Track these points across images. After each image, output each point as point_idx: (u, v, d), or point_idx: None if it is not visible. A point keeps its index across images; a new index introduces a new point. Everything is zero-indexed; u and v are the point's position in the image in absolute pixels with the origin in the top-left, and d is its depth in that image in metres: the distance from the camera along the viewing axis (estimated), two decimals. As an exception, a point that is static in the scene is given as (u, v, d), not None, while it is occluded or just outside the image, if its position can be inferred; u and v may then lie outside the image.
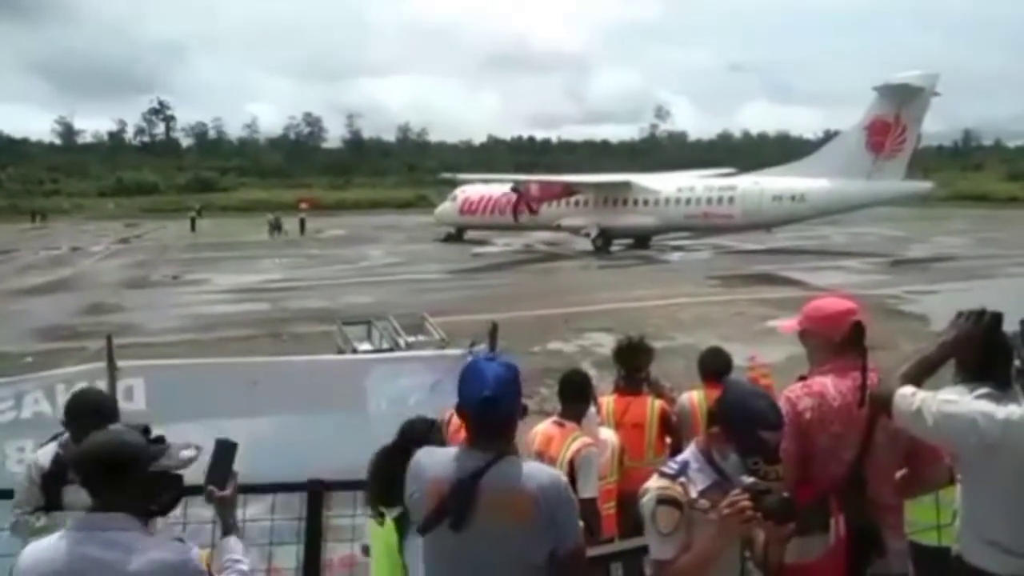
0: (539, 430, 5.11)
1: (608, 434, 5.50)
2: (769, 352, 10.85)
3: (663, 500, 3.04)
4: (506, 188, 40.71)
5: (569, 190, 39.15)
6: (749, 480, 2.92)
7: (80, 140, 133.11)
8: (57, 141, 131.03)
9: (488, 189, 42.55)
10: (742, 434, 3.02)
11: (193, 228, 56.13)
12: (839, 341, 3.69)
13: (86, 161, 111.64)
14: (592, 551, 3.91)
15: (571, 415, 5.13)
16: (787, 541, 3.05)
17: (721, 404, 3.18)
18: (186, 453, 2.87)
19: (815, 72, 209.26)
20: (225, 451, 3.13)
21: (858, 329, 3.67)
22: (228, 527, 3.11)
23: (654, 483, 3.12)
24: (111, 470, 2.72)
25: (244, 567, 3.03)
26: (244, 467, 4.62)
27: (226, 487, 3.12)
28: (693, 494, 3.05)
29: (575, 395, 5.21)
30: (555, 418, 5.14)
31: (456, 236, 44.24)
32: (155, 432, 2.90)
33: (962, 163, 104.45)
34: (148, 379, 4.87)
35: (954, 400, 3.15)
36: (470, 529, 2.92)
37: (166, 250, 42.67)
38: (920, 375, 3.30)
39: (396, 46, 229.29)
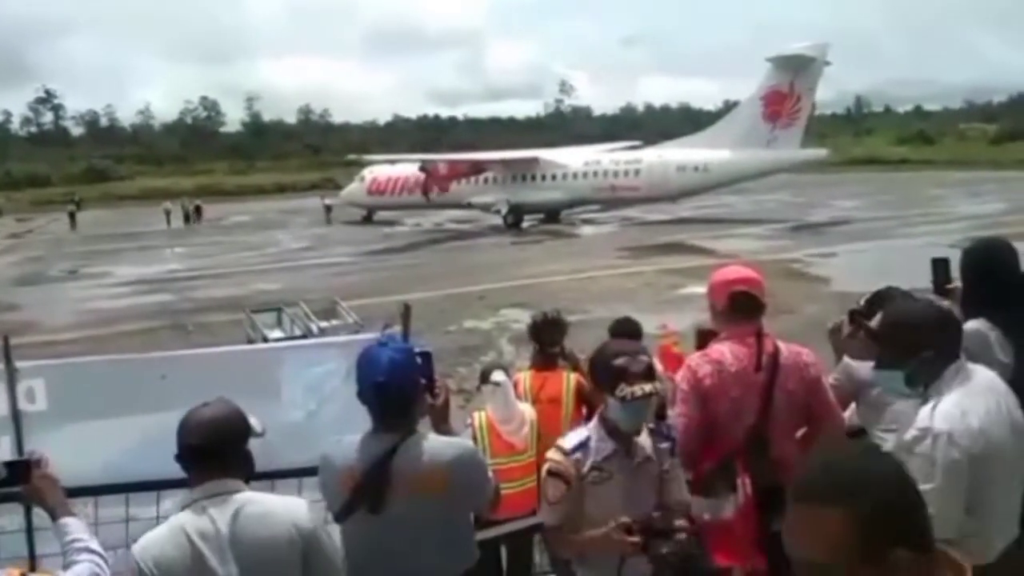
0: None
1: (525, 408, 5.56)
2: (680, 320, 11.14)
3: (553, 472, 3.21)
4: (414, 168, 40.33)
5: (478, 168, 39.06)
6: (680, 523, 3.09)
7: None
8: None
9: (396, 169, 42.11)
10: (601, 372, 3.19)
11: (73, 224, 50.34)
12: (721, 310, 3.84)
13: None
14: (488, 531, 3.97)
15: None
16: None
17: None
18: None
19: (706, 44, 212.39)
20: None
21: (741, 299, 3.79)
22: (54, 513, 2.89)
23: (550, 454, 3.29)
24: None
25: (91, 544, 2.79)
26: (156, 464, 4.52)
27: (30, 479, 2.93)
28: (586, 468, 3.17)
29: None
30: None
31: (366, 218, 43.72)
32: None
33: (854, 129, 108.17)
34: (49, 379, 4.65)
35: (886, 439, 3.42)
36: (388, 510, 2.97)
37: (61, 244, 40.90)
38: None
39: (286, 26, 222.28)
